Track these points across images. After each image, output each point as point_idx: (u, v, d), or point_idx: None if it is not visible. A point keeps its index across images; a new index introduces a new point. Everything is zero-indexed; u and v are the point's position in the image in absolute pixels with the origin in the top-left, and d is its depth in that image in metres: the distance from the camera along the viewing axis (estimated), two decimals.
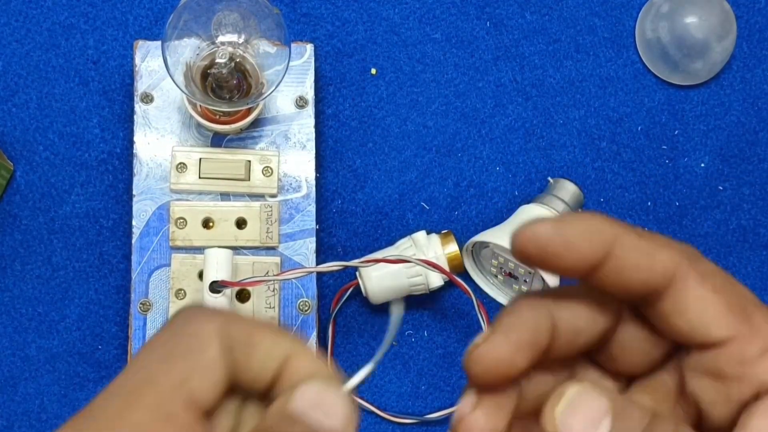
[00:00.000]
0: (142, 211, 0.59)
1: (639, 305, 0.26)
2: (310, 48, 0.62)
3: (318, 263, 0.61)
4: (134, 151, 0.60)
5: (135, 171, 0.60)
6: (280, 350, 0.26)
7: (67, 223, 0.63)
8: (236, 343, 0.25)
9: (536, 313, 0.26)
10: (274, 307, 0.59)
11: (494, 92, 0.67)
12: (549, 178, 0.65)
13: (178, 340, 0.24)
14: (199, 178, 0.59)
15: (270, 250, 0.60)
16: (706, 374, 0.25)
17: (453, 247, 0.61)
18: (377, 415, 0.63)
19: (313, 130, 0.61)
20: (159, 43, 0.58)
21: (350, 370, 0.27)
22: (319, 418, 0.25)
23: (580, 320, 0.26)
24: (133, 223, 0.59)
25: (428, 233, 0.63)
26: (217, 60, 0.55)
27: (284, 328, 0.27)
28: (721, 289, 0.25)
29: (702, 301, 0.25)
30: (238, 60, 0.56)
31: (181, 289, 0.59)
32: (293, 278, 0.58)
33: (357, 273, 0.61)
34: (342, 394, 0.26)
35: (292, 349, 0.26)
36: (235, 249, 0.59)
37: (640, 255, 0.25)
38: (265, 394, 0.27)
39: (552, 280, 0.59)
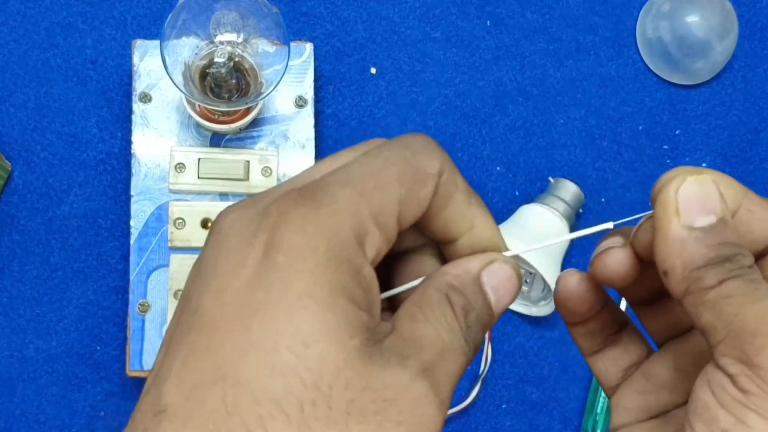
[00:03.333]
0: (140, 212, 0.59)
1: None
2: (309, 47, 0.61)
3: None
4: (132, 151, 0.60)
5: (133, 171, 0.59)
6: (465, 217, 0.28)
7: (65, 223, 0.63)
8: (440, 192, 0.27)
9: None
10: None
11: (494, 92, 0.67)
12: (550, 178, 0.64)
13: (410, 161, 0.26)
14: (198, 178, 0.59)
15: None
16: None
17: None
18: None
19: (312, 129, 0.61)
20: (157, 42, 0.58)
21: None
22: (494, 299, 0.27)
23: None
24: (132, 223, 0.59)
25: None
26: (216, 59, 0.54)
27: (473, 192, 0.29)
28: None
29: None
30: (236, 59, 0.55)
31: (179, 290, 0.58)
32: None
33: None
34: (518, 282, 0.28)
35: (477, 219, 0.28)
36: None
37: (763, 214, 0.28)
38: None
39: (552, 281, 0.59)
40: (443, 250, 0.29)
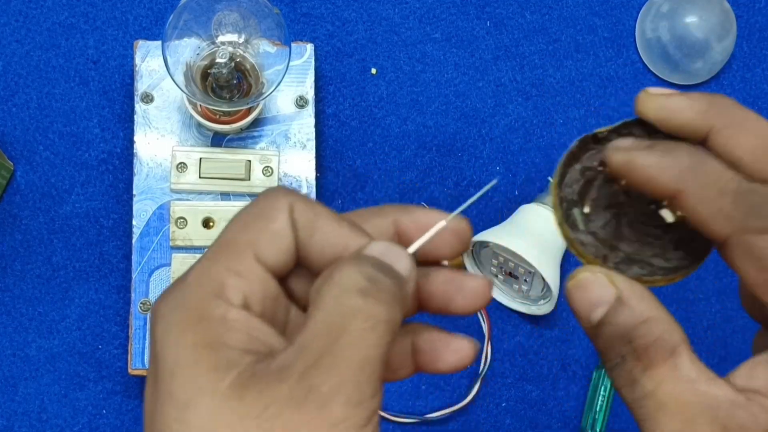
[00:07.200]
0: (142, 211, 0.59)
1: None
2: (310, 48, 0.62)
3: None
4: (134, 151, 0.60)
5: (135, 171, 0.60)
6: (338, 238, 0.28)
7: (67, 222, 0.63)
8: (300, 222, 0.27)
9: None
10: None
11: (494, 92, 0.67)
12: (549, 178, 0.65)
13: (253, 210, 0.27)
14: (200, 177, 0.59)
15: None
16: None
17: None
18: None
19: (313, 129, 0.61)
20: (159, 42, 0.58)
21: None
22: (391, 261, 0.26)
23: None
24: (134, 222, 0.59)
25: None
26: (218, 60, 0.55)
27: (345, 217, 0.29)
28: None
29: None
30: (238, 60, 0.56)
31: None
32: None
33: None
34: (405, 250, 0.27)
35: (351, 239, 0.28)
36: None
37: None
38: None
39: (552, 280, 0.59)
40: None
